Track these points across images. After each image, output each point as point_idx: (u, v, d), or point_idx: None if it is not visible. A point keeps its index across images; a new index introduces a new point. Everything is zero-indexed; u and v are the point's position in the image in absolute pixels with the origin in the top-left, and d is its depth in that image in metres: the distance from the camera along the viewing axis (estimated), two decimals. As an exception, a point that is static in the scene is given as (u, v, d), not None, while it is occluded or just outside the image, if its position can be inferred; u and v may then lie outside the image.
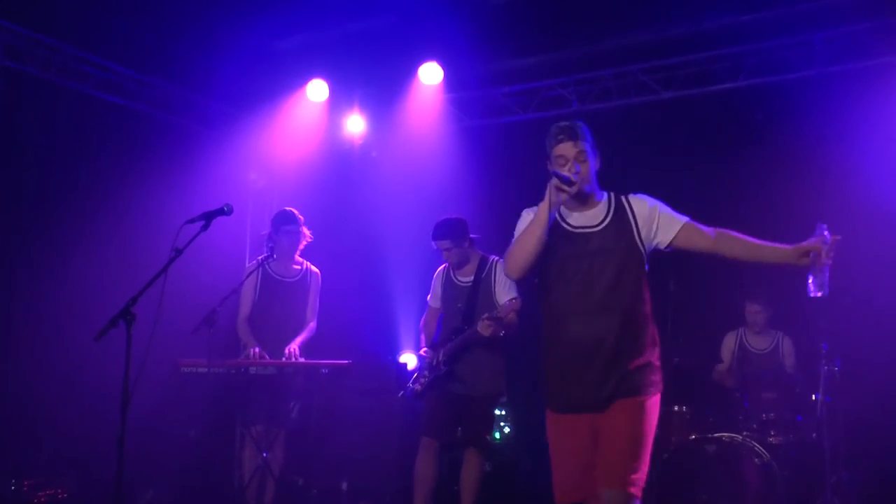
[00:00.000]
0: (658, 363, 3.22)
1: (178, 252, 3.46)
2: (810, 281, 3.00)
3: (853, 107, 5.69)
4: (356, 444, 6.26)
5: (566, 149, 3.16)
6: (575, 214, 3.22)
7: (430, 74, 6.77)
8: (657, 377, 3.19)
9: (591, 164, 3.18)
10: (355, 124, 7.53)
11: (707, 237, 3.17)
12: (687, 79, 6.39)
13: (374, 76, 7.01)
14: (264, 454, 5.01)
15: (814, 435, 5.03)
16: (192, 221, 3.59)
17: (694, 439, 5.07)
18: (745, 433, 5.04)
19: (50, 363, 5.83)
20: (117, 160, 6.39)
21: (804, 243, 3.03)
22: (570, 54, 6.55)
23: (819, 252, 2.98)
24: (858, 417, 5.17)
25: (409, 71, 6.81)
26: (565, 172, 3.07)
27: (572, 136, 3.16)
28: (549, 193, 3.06)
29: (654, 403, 3.16)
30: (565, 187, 3.04)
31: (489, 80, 7.03)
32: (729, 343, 5.97)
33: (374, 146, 7.57)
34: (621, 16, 6.06)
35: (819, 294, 2.99)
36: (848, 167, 5.56)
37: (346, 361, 5.00)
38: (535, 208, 3.18)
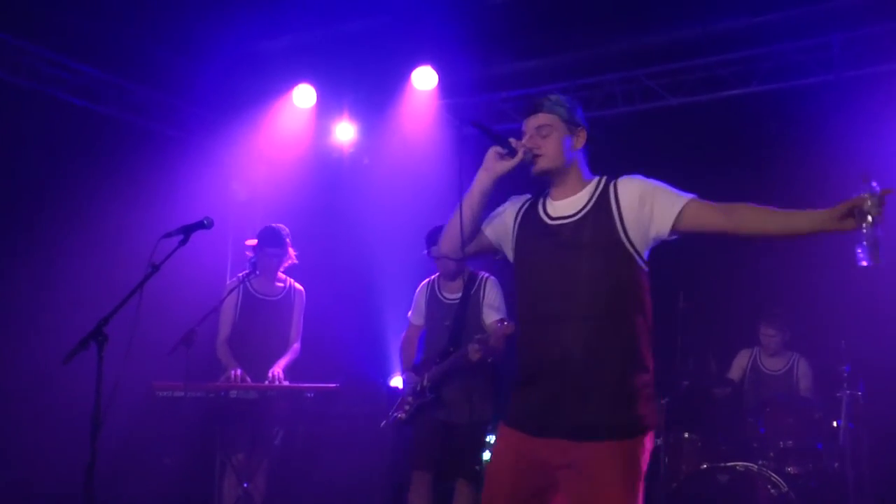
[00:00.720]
0: (648, 391, 2.76)
1: (155, 268, 3.43)
2: (859, 248, 2.51)
3: (874, 114, 5.67)
4: (343, 472, 6.23)
5: (527, 123, 2.94)
6: (555, 203, 2.91)
7: (424, 79, 6.76)
8: (647, 409, 2.73)
9: (564, 141, 2.88)
10: (345, 132, 7.52)
11: (719, 213, 2.73)
12: (696, 84, 6.41)
13: (365, 80, 6.99)
14: (245, 484, 4.96)
15: (836, 464, 4.99)
16: (169, 235, 3.56)
17: (705, 468, 5.02)
18: (760, 462, 4.98)
19: (14, 386, 5.76)
20: (91, 169, 6.37)
21: (846, 201, 2.49)
22: (573, 58, 6.54)
23: (870, 209, 2.46)
24: (884, 445, 5.14)
25: (402, 75, 6.80)
26: (513, 141, 2.86)
27: (535, 108, 2.92)
28: (486, 159, 2.93)
29: (645, 446, 2.71)
30: (503, 152, 2.87)
31: (486, 84, 7.02)
32: (741, 361, 5.94)
33: (365, 155, 7.55)
34: (626, 17, 6.05)
35: (872, 264, 2.49)
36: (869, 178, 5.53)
37: (333, 385, 4.97)
38: (517, 197, 3.06)
